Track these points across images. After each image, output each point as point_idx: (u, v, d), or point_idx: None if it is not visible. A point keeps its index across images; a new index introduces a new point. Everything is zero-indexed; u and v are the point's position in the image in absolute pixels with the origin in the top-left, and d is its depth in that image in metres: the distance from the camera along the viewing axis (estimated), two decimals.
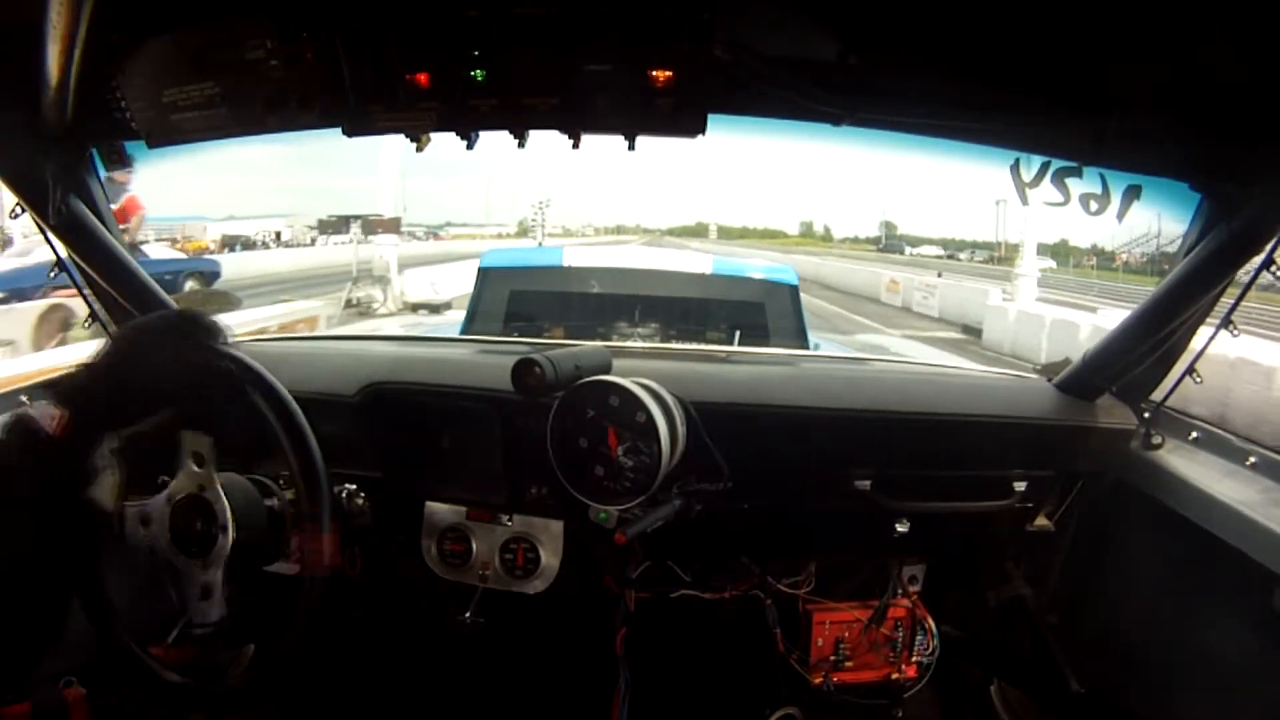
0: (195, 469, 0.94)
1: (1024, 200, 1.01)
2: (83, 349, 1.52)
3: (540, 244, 16.54)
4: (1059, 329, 9.42)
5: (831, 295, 18.92)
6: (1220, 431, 1.23)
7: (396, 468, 1.30)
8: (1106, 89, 0.88)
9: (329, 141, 1.02)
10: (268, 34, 0.91)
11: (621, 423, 1.08)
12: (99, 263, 1.20)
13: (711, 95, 0.91)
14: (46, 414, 0.84)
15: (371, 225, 11.73)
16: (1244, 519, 1.03)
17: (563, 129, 0.95)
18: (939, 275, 19.35)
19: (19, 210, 1.08)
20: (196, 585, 0.97)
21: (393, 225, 11.88)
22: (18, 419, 0.85)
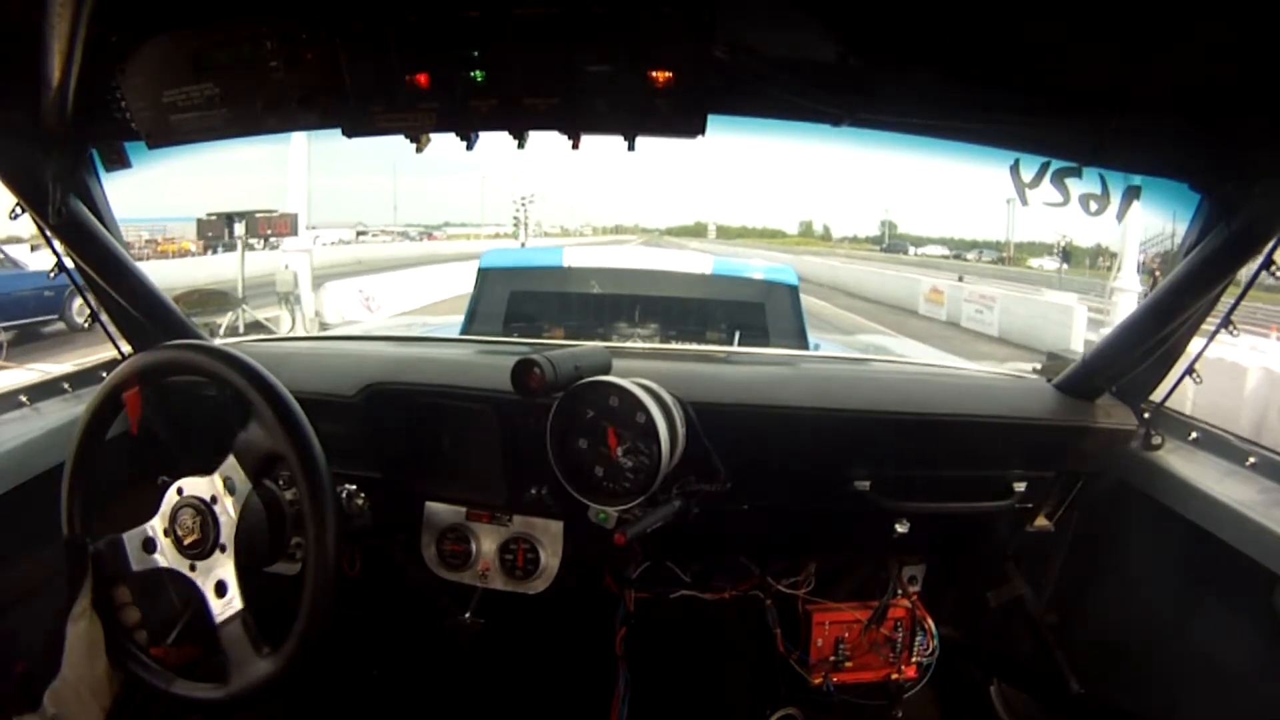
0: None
1: (1024, 200, 1.01)
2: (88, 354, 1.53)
3: (523, 244, 15.42)
4: (1217, 372, 5.27)
5: (858, 304, 16.65)
6: (1220, 431, 1.24)
7: (396, 468, 1.30)
8: (1106, 89, 0.88)
9: (341, 139, 1.00)
10: (268, 34, 0.91)
11: (621, 423, 1.08)
12: (99, 264, 1.19)
13: (711, 95, 0.91)
14: None
15: (258, 225, 8.70)
16: (1244, 519, 1.03)
17: (562, 129, 0.95)
18: (960, 279, 18.04)
19: (19, 210, 1.08)
20: (210, 584, 0.97)
21: (285, 225, 9.03)
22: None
